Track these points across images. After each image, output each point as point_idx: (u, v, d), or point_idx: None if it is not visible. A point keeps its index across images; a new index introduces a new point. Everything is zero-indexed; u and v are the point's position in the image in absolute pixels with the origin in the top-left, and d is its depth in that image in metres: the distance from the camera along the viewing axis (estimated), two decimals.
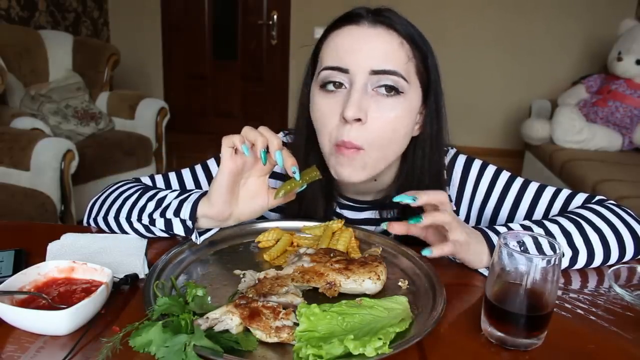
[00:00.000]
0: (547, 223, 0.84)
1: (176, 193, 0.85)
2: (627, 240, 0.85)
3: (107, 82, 3.46)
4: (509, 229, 0.81)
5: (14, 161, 2.43)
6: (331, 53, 0.84)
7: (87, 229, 0.93)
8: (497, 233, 0.80)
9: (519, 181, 0.96)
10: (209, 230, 0.84)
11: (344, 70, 0.82)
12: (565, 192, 0.94)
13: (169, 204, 0.83)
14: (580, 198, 0.92)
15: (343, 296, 0.71)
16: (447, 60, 4.87)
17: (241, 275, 0.76)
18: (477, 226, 0.82)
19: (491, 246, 0.78)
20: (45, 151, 2.44)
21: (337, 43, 0.84)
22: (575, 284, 0.82)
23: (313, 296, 0.72)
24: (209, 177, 1.00)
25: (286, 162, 0.75)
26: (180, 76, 4.94)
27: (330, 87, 0.83)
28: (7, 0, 3.45)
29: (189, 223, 0.80)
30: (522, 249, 0.68)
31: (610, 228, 0.85)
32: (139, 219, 0.86)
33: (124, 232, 0.89)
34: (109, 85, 3.49)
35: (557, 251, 0.64)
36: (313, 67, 0.90)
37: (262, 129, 0.75)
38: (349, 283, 0.72)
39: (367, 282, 0.72)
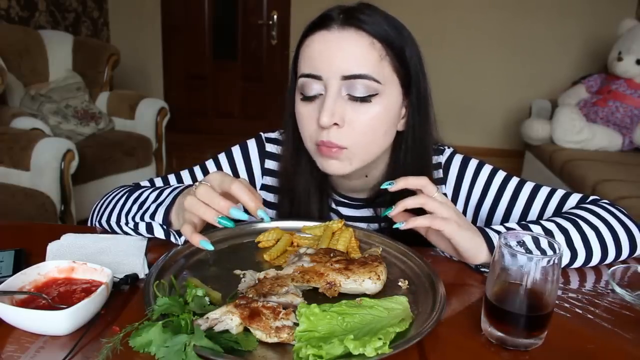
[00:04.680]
0: (544, 222, 0.84)
1: (155, 193, 0.86)
2: (623, 239, 0.86)
3: (107, 82, 3.46)
4: (507, 229, 0.81)
5: (14, 161, 2.43)
6: (306, 60, 0.85)
7: (87, 229, 0.93)
8: (497, 232, 0.80)
9: (514, 181, 0.96)
10: None
11: (317, 77, 0.83)
12: (560, 192, 0.94)
13: (148, 207, 0.84)
14: (574, 198, 0.93)
15: (343, 296, 0.71)
16: (447, 60, 4.87)
17: (241, 275, 0.76)
18: (476, 226, 0.82)
19: (490, 244, 0.78)
20: (45, 151, 2.44)
21: (310, 49, 0.85)
22: (575, 283, 0.82)
23: (313, 296, 0.72)
24: None
25: (248, 206, 0.69)
26: (180, 76, 4.94)
27: (307, 94, 0.85)
28: (7, 0, 3.45)
29: (164, 227, 0.81)
30: (522, 248, 0.68)
31: (606, 227, 0.85)
32: (127, 223, 0.88)
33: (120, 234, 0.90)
34: (109, 85, 3.49)
35: (557, 251, 0.64)
36: (295, 73, 0.91)
37: (202, 194, 0.69)
38: (349, 283, 0.72)
39: (367, 282, 0.72)
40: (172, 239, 0.82)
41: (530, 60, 4.39)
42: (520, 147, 4.25)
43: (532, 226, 0.82)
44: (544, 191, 0.94)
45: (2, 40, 3.03)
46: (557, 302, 0.74)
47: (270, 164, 1.03)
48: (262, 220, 0.72)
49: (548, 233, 0.82)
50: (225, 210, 0.68)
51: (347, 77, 0.82)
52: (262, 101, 4.88)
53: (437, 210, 0.76)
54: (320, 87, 0.84)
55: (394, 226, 0.78)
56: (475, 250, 0.77)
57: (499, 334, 0.63)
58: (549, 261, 0.61)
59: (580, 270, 0.86)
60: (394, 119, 0.88)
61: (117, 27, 4.76)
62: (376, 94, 0.83)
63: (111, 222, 0.90)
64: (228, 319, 0.61)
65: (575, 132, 3.38)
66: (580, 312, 0.73)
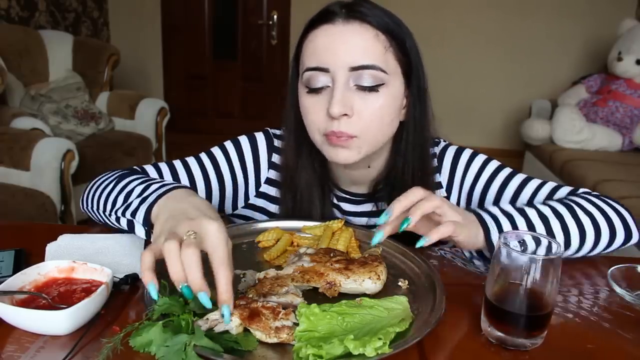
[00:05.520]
0: (539, 206, 0.84)
1: (142, 187, 0.80)
2: (617, 225, 0.86)
3: (107, 82, 3.46)
4: (502, 210, 0.81)
5: (14, 161, 2.43)
6: (311, 54, 0.87)
7: (86, 229, 0.93)
8: (489, 213, 0.80)
9: (506, 170, 0.97)
10: None
11: (325, 70, 0.85)
12: (551, 184, 0.94)
13: (131, 203, 0.79)
14: (565, 190, 0.93)
15: (343, 296, 0.71)
16: (447, 60, 4.86)
17: (241, 276, 0.76)
18: (468, 207, 0.82)
19: (485, 226, 0.78)
20: (45, 151, 2.43)
21: (315, 43, 0.86)
22: (575, 283, 0.82)
23: (313, 296, 0.72)
24: (204, 171, 0.99)
25: (219, 297, 0.59)
26: (180, 76, 4.93)
27: (314, 86, 0.86)
28: (7, 0, 3.45)
29: (146, 227, 0.75)
30: (522, 248, 0.68)
31: (601, 213, 0.85)
32: (110, 214, 0.84)
33: (107, 225, 0.87)
34: (109, 85, 3.49)
35: (557, 251, 0.64)
36: (297, 67, 0.92)
37: (187, 258, 0.59)
38: (349, 283, 0.72)
39: (367, 282, 0.72)
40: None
41: (530, 60, 4.39)
42: (520, 147, 4.24)
43: (527, 209, 0.82)
44: (534, 182, 0.95)
45: (2, 40, 3.03)
46: (557, 302, 0.74)
47: (277, 159, 1.04)
48: (222, 317, 0.60)
49: (543, 217, 0.81)
50: (195, 288, 0.59)
51: (355, 68, 0.83)
52: (262, 101, 4.88)
53: (448, 213, 0.73)
54: (327, 79, 0.85)
55: (417, 245, 0.72)
56: (474, 242, 0.77)
57: (499, 334, 0.63)
58: (549, 261, 0.61)
59: (580, 270, 0.86)
60: (398, 108, 0.90)
61: (117, 27, 4.76)
62: (383, 84, 0.85)
63: (99, 210, 0.86)
64: None
65: (575, 132, 3.38)
66: (580, 312, 0.73)
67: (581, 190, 0.93)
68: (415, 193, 0.73)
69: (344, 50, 0.83)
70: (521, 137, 3.85)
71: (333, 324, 0.61)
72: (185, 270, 0.59)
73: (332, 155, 0.89)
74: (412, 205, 0.72)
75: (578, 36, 4.29)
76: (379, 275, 0.73)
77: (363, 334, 0.60)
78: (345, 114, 0.84)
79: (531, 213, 0.82)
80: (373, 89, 0.85)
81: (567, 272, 0.85)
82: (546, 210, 0.83)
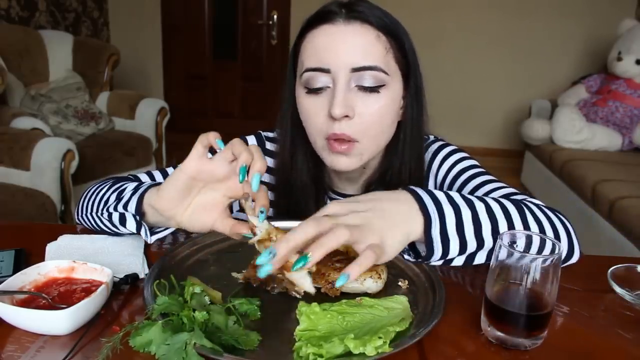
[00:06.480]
0: (489, 201, 0.77)
1: (135, 185, 0.81)
2: (563, 239, 0.79)
3: (107, 82, 3.46)
4: (448, 198, 0.73)
5: (14, 161, 2.43)
6: (311, 54, 0.86)
7: (84, 230, 0.93)
8: (434, 200, 0.71)
9: (474, 170, 0.96)
10: (163, 230, 0.81)
11: (325, 70, 0.84)
12: (509, 189, 0.90)
13: (123, 197, 0.79)
14: (520, 197, 0.88)
15: (344, 295, 0.71)
16: (447, 61, 4.85)
17: (238, 278, 0.76)
18: (410, 187, 0.73)
19: (427, 217, 0.68)
20: (45, 151, 2.44)
21: (315, 43, 0.85)
22: (575, 283, 0.82)
23: (313, 295, 0.72)
24: None
25: (259, 197, 0.66)
26: (180, 76, 4.94)
27: (314, 87, 0.86)
28: (7, 0, 3.45)
29: (137, 217, 0.76)
30: (519, 247, 0.68)
31: (549, 223, 0.79)
32: (102, 214, 0.83)
33: (100, 228, 0.86)
34: (109, 85, 3.49)
35: (557, 251, 0.64)
36: (294, 67, 0.91)
37: (252, 148, 0.65)
38: (351, 282, 0.72)
39: (368, 280, 0.72)
40: (142, 233, 0.77)
41: (530, 60, 4.39)
42: (520, 147, 4.25)
43: (476, 203, 0.75)
44: (493, 184, 0.91)
45: (2, 40, 3.03)
46: (557, 302, 0.74)
47: (269, 162, 1.04)
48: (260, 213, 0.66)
49: (490, 213, 0.74)
50: (258, 169, 0.64)
51: (356, 69, 0.83)
52: (262, 101, 4.88)
53: (364, 240, 0.61)
54: (327, 80, 0.85)
55: (337, 285, 0.59)
56: (404, 245, 0.68)
57: (499, 333, 0.63)
58: (549, 261, 0.61)
59: (581, 270, 0.86)
60: (398, 109, 0.90)
61: (117, 27, 4.76)
62: (383, 85, 0.85)
63: (92, 213, 0.85)
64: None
65: (575, 132, 3.38)
66: (580, 312, 0.73)
67: (534, 200, 0.86)
68: (310, 226, 0.57)
69: (345, 50, 0.83)
70: (521, 137, 3.85)
71: (333, 323, 0.61)
72: (253, 152, 0.65)
73: (332, 163, 0.88)
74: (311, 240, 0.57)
75: (578, 36, 4.29)
76: (380, 274, 0.73)
77: (363, 333, 0.60)
78: (347, 115, 0.83)
79: (479, 207, 0.74)
80: (374, 89, 0.84)
81: (567, 272, 0.85)
82: (496, 208, 0.76)
